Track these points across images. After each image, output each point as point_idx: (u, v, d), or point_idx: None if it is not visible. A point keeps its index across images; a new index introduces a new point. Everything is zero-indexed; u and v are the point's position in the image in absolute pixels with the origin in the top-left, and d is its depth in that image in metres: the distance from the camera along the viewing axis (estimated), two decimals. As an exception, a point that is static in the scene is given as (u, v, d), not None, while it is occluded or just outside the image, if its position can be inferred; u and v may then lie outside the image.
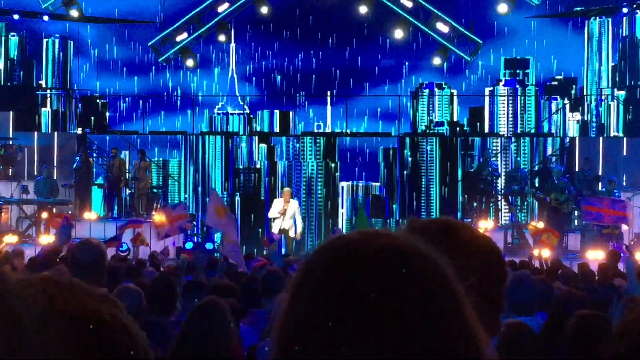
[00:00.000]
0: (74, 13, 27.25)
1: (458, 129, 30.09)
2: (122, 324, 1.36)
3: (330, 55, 31.73)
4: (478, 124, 30.23)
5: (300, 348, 1.37)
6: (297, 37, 31.88)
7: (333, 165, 29.32)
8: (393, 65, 31.25)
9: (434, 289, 1.38)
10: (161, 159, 29.77)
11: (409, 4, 26.78)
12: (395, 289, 1.36)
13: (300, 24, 31.41)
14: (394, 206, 28.96)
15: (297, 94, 31.68)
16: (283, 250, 21.19)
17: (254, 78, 32.17)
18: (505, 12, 26.23)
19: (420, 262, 1.40)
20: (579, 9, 29.76)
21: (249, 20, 29.82)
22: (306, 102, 31.76)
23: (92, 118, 29.53)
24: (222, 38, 28.12)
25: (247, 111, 31.05)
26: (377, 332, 1.33)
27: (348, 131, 31.02)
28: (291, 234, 21.51)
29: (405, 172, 28.88)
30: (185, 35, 28.04)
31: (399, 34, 26.94)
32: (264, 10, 27.26)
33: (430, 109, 30.53)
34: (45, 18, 28.12)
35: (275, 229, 21.41)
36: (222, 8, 27.88)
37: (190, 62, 28.15)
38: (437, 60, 27.60)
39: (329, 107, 31.42)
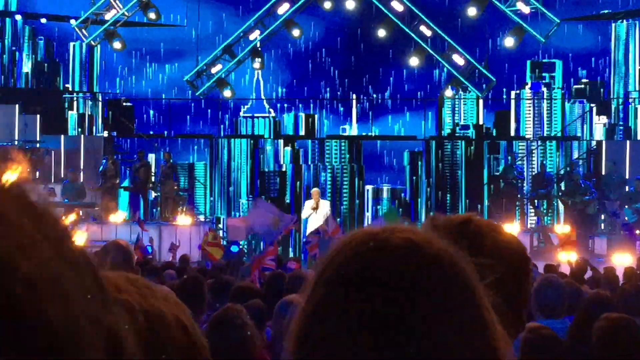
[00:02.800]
0: (117, 45, 27.39)
1: (484, 132, 29.97)
2: (181, 322, 1.41)
3: (357, 67, 31.72)
4: (504, 127, 30.08)
5: (314, 337, 1.39)
6: (323, 49, 31.96)
7: (358, 168, 29.30)
8: (416, 82, 31.07)
9: (449, 286, 1.38)
10: (187, 162, 29.84)
11: (428, 33, 26.80)
12: (410, 283, 1.36)
13: (326, 40, 31.58)
14: (420, 209, 28.90)
15: (323, 98, 31.75)
16: None
17: (279, 82, 32.22)
18: (512, 46, 26.25)
19: (437, 257, 1.40)
20: (606, 11, 29.60)
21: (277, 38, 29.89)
22: (338, 102, 31.79)
23: (119, 121, 29.65)
24: (256, 65, 28.22)
25: (273, 114, 31.09)
26: (388, 325, 1.34)
27: (373, 134, 31.01)
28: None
29: (431, 176, 28.82)
30: (219, 66, 28.17)
31: (414, 61, 26.97)
32: (296, 33, 27.46)
33: (456, 112, 30.44)
34: (72, 22, 28.29)
35: (310, 229, 21.39)
36: (254, 36, 28.04)
37: (227, 93, 28.19)
38: (448, 92, 27.59)
39: (354, 110, 31.42)
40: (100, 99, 30.92)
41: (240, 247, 21.73)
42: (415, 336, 1.33)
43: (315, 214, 21.58)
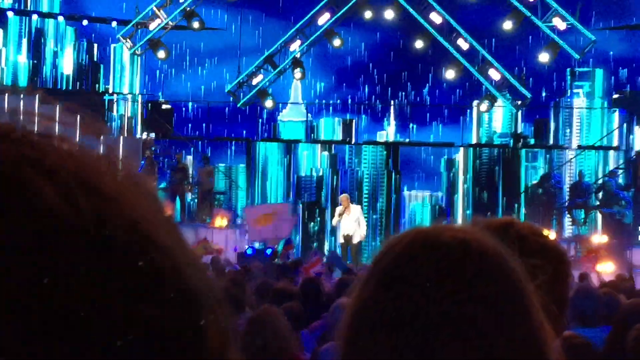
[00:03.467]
0: (161, 54, 27.45)
1: (522, 140, 29.79)
2: None
3: (395, 68, 31.71)
4: (543, 135, 29.88)
5: (364, 331, 1.39)
6: (361, 50, 31.99)
7: (395, 173, 29.25)
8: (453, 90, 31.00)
9: (498, 284, 1.38)
10: (224, 164, 29.95)
11: (465, 46, 26.76)
12: (459, 280, 1.36)
13: (364, 42, 31.63)
14: (456, 214, 28.81)
15: (360, 102, 31.76)
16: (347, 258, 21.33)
17: (317, 85, 32.28)
18: (546, 62, 26.15)
19: (487, 256, 1.40)
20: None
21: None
22: (376, 107, 31.81)
23: (157, 123, 29.81)
24: (297, 75, 28.13)
25: (310, 118, 31.14)
26: (437, 321, 1.34)
27: (409, 140, 30.92)
28: (355, 240, 21.45)
29: (467, 183, 28.72)
30: (260, 77, 28.19)
31: (450, 74, 26.94)
32: (337, 43, 27.43)
33: (495, 119, 30.30)
34: (114, 24, 28.51)
35: (340, 236, 21.43)
36: (295, 46, 28.05)
37: (269, 104, 28.17)
38: (483, 107, 27.46)
39: (392, 115, 31.38)
40: (140, 100, 31.09)
41: (274, 249, 21.78)
42: (459, 335, 1.33)
43: (344, 219, 21.52)
